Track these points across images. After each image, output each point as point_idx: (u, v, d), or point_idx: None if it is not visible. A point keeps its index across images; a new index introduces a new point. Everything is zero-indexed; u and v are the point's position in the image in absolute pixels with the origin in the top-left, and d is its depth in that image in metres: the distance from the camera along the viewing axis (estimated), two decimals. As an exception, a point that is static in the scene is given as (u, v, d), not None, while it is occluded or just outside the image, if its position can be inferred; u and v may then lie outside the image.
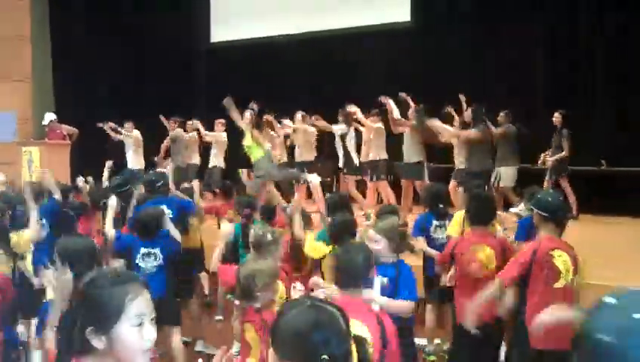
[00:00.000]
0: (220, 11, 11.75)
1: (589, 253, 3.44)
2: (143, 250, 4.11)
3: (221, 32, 11.67)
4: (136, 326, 1.48)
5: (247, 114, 7.01)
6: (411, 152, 7.32)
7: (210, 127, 9.16)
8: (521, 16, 8.68)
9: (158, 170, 7.47)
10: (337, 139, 8.12)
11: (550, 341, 3.00)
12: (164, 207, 4.61)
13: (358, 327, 2.16)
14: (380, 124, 7.71)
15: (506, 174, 7.37)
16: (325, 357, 1.35)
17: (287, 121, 8.38)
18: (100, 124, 9.18)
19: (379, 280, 2.86)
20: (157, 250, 4.11)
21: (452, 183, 6.99)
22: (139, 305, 1.49)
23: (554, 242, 3.26)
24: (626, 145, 7.76)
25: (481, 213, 3.74)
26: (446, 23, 9.28)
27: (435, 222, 4.51)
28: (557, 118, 7.76)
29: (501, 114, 7.59)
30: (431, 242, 4.46)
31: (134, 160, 9.09)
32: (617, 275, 4.35)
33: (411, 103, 7.35)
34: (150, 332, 1.50)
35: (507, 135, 7.44)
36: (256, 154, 6.76)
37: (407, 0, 9.79)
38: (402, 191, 7.54)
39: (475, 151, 6.56)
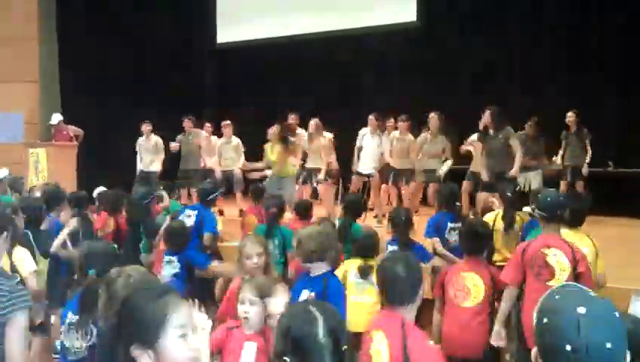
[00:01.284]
0: (222, 11, 11.70)
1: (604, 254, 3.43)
2: (166, 258, 4.24)
3: (224, 32, 11.64)
4: (180, 336, 1.50)
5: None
6: (429, 159, 7.28)
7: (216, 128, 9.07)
8: (521, 16, 8.73)
9: None
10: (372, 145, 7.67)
11: None
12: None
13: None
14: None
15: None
16: (286, 359, 1.46)
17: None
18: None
19: (306, 294, 2.80)
20: (175, 258, 4.21)
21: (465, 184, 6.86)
22: (180, 317, 1.51)
23: (550, 240, 3.24)
24: (632, 147, 7.69)
25: (473, 246, 3.62)
26: (453, 23, 9.29)
27: (450, 224, 4.50)
28: (572, 118, 7.38)
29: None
30: (444, 244, 4.46)
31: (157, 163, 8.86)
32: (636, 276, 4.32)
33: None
34: (195, 341, 1.53)
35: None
36: (288, 170, 6.73)
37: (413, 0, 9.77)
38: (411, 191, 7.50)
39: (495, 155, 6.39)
